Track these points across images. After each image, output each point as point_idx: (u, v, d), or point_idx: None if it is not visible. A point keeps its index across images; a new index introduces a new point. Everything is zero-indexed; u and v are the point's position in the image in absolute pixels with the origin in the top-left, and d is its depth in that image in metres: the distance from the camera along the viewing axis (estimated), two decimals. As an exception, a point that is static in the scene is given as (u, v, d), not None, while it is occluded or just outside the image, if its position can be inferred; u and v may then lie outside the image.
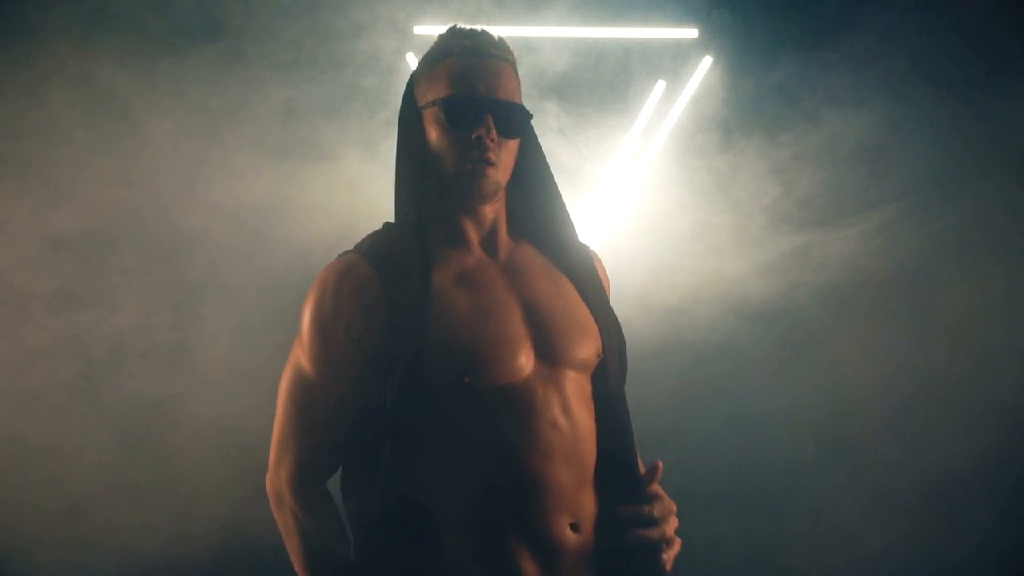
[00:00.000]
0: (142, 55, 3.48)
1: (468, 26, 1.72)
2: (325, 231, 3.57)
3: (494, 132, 1.64)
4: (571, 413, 1.61)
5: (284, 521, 1.67)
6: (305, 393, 1.64)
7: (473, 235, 1.71)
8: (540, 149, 1.78)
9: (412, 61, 3.53)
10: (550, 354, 1.63)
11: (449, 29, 1.73)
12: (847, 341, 3.62)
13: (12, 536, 3.33)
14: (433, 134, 1.68)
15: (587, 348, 1.66)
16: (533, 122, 1.77)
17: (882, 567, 3.60)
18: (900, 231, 3.59)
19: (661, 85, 3.61)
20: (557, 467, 1.56)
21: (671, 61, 3.61)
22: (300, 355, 1.66)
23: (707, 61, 3.60)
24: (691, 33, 3.59)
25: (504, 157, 1.67)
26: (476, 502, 1.55)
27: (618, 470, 1.64)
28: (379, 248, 1.68)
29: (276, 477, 1.67)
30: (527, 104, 1.74)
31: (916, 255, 3.58)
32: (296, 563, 1.66)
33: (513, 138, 1.68)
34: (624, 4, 3.57)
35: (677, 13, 3.58)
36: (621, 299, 2.25)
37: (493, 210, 1.72)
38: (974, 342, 3.55)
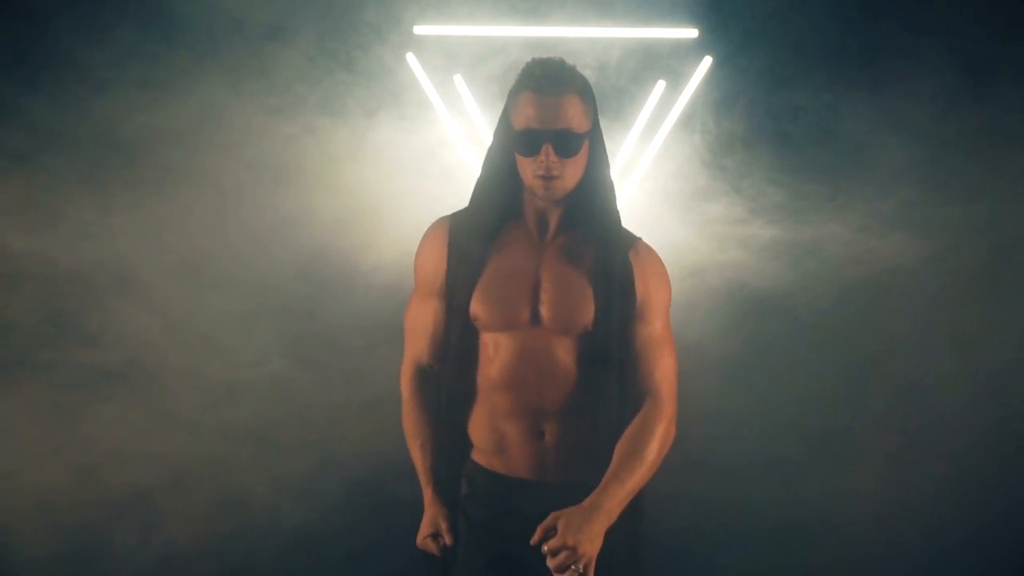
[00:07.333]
0: (143, 53, 3.49)
1: (543, 59, 2.27)
2: (322, 225, 3.58)
3: (553, 156, 2.24)
4: (549, 360, 2.30)
5: (403, 399, 2.45)
6: (410, 314, 2.44)
7: (531, 220, 2.35)
8: (602, 153, 2.34)
9: (412, 61, 3.54)
10: (540, 318, 2.31)
11: (530, 62, 2.28)
12: (855, 346, 3.63)
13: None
14: (516, 154, 2.30)
15: (573, 320, 2.29)
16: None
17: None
18: (910, 233, 3.60)
19: (661, 85, 3.61)
20: (529, 393, 2.32)
21: (671, 61, 3.61)
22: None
23: (707, 61, 3.60)
24: (691, 33, 3.59)
25: (568, 169, 2.26)
26: (488, 399, 2.37)
27: (589, 405, 2.33)
28: (463, 218, 2.37)
29: (402, 369, 2.47)
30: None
31: (925, 259, 3.59)
32: (406, 426, 2.44)
33: (570, 157, 2.25)
34: (624, 4, 3.57)
35: (677, 13, 3.58)
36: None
37: (556, 205, 2.32)
38: (984, 352, 3.56)
